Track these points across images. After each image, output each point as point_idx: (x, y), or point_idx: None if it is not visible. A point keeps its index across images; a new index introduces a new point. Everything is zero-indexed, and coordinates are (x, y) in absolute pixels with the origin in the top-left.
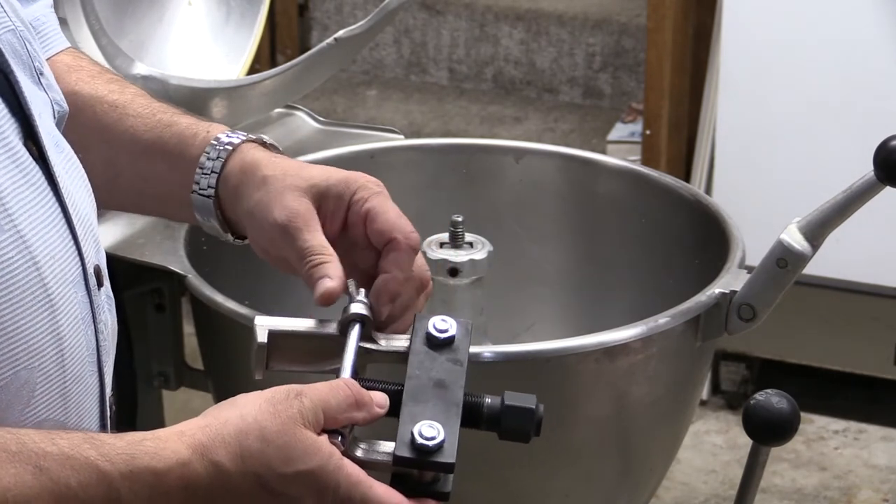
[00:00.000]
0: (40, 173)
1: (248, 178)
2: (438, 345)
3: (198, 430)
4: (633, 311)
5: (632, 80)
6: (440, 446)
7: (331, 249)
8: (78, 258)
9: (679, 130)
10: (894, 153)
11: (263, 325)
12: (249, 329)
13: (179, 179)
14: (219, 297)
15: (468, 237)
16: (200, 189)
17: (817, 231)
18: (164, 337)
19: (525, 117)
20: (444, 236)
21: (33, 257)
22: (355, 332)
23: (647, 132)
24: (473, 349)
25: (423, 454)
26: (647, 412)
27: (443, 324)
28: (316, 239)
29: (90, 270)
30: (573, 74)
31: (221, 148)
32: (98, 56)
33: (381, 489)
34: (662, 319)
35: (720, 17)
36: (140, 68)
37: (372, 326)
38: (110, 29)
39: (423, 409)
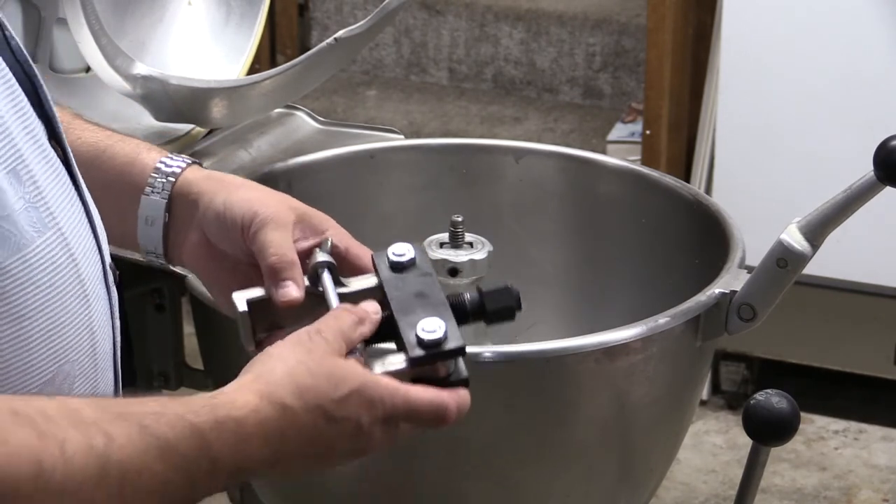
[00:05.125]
0: (66, 173)
1: (222, 183)
2: (403, 267)
3: (254, 382)
4: (633, 311)
5: (632, 80)
6: (446, 336)
7: (298, 261)
8: (99, 256)
9: (679, 130)
10: (894, 153)
11: (241, 296)
12: None
13: (130, 183)
14: None
15: (468, 237)
16: (154, 189)
17: (817, 231)
18: (164, 337)
19: (525, 117)
20: (444, 236)
21: (72, 255)
22: (327, 276)
23: (647, 132)
24: (474, 349)
25: (435, 347)
26: (647, 412)
27: (400, 249)
28: (289, 242)
29: (108, 268)
30: (573, 74)
31: (175, 165)
32: (98, 56)
33: (417, 389)
34: (662, 319)
35: (720, 17)
36: (140, 68)
37: (338, 272)
38: (110, 29)
39: (416, 316)
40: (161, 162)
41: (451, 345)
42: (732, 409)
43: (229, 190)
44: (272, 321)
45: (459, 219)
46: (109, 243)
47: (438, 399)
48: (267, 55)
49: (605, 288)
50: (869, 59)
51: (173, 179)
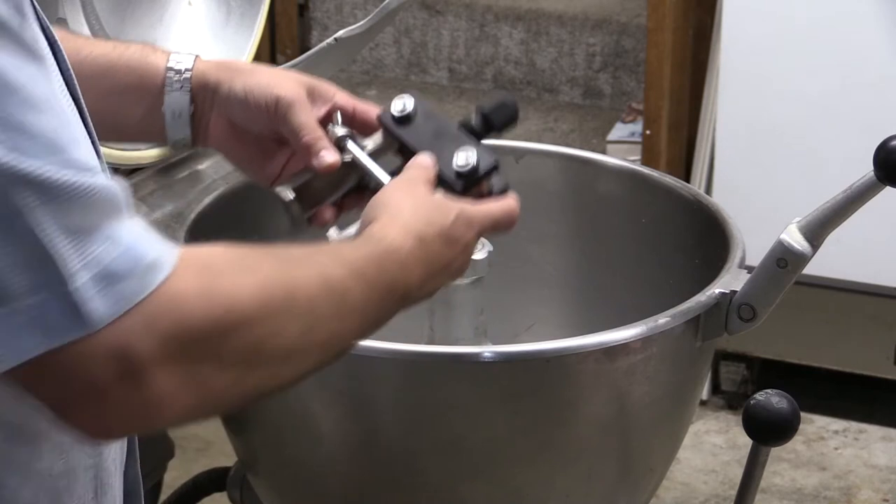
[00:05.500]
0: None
1: (235, 71)
2: (407, 119)
3: (393, 220)
4: (633, 311)
5: (632, 80)
6: (478, 160)
7: (325, 134)
8: None
9: (679, 130)
10: (894, 153)
11: (285, 185)
12: None
13: (147, 86)
14: None
15: None
16: (173, 86)
17: (817, 231)
18: None
19: (525, 117)
20: None
21: None
22: (352, 145)
23: (647, 132)
24: (474, 349)
25: (473, 173)
26: (647, 412)
27: (399, 104)
28: (313, 119)
29: None
30: (573, 74)
31: (185, 61)
32: None
33: (491, 203)
34: (662, 319)
35: (720, 17)
36: None
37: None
38: (110, 29)
39: (444, 154)
40: (172, 61)
41: (485, 166)
42: (732, 409)
43: (244, 76)
44: (313, 200)
45: None
46: (129, 140)
47: (507, 205)
48: (267, 55)
49: (605, 288)
50: (869, 60)
51: (188, 75)
